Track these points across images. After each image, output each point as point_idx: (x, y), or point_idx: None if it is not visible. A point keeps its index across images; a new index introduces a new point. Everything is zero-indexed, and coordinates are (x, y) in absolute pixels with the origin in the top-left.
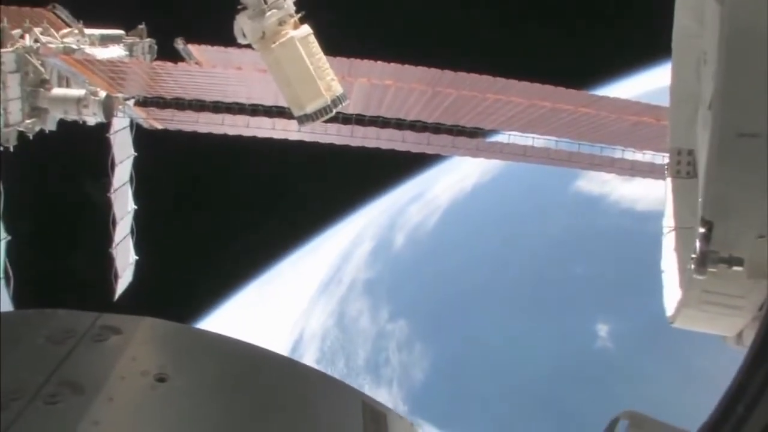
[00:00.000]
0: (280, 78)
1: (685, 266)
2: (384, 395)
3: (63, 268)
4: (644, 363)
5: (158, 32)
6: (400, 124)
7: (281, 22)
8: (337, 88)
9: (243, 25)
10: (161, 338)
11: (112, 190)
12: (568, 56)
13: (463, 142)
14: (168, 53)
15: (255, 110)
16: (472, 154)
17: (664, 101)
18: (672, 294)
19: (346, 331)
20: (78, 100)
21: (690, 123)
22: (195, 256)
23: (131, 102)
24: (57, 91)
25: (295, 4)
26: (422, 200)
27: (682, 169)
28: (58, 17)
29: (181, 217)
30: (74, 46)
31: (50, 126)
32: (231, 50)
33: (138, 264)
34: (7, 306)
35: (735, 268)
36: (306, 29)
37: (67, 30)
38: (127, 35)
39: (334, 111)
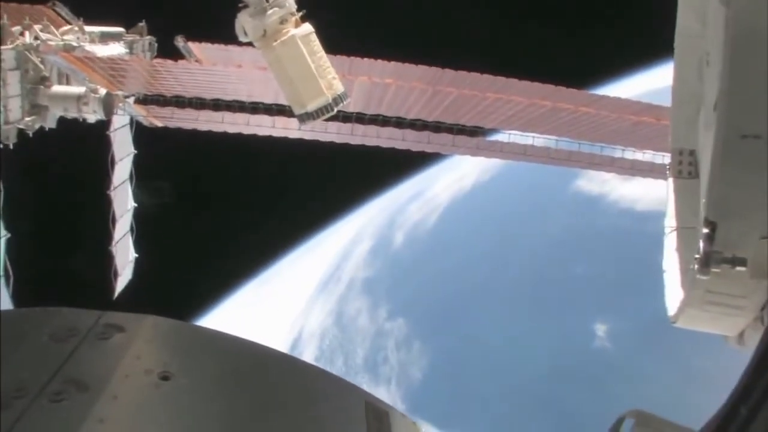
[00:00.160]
0: (281, 76)
1: (687, 266)
2: (382, 394)
3: (62, 265)
4: (643, 362)
5: (158, 30)
6: (400, 123)
7: (283, 21)
8: (338, 87)
9: (244, 23)
10: (165, 336)
11: (111, 188)
12: (569, 56)
13: (463, 140)
14: (168, 51)
15: (255, 108)
16: (472, 152)
17: (664, 101)
18: (674, 294)
19: (344, 330)
20: (78, 98)
21: (692, 123)
22: (194, 254)
23: (131, 99)
24: (57, 88)
25: (297, 2)
26: (422, 199)
27: (684, 169)
28: (59, 14)
29: (180, 215)
30: (74, 44)
31: (50, 123)
32: (231, 48)
33: (137, 262)
34: (6, 303)
35: (738, 268)
36: (307, 27)
37: (67, 27)
38: (127, 33)
39: (335, 109)
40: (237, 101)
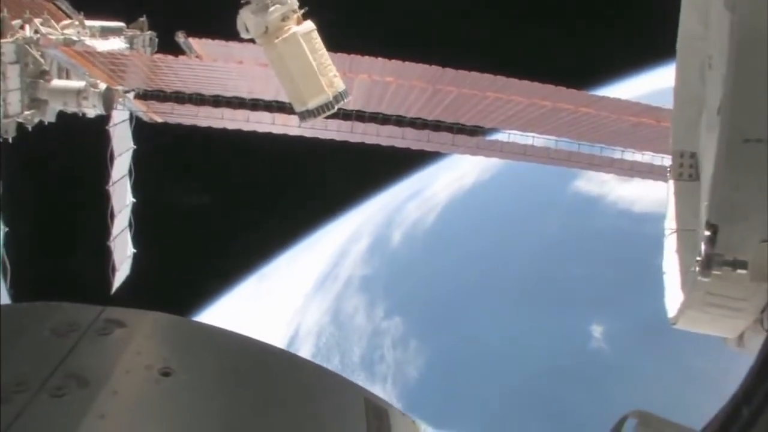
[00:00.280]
0: (282, 73)
1: (687, 268)
2: (378, 392)
3: (60, 260)
4: (640, 363)
5: (159, 25)
6: (400, 121)
7: (284, 18)
8: (339, 85)
9: (246, 19)
10: (166, 332)
11: (110, 183)
12: (569, 56)
13: (462, 140)
14: (169, 46)
15: (255, 105)
16: (472, 152)
17: (665, 102)
18: (674, 295)
19: (341, 328)
20: (78, 92)
21: (693, 125)
22: (192, 251)
23: (131, 95)
24: (57, 82)
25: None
26: (421, 197)
27: (685, 171)
28: (59, 8)
29: (178, 211)
30: (74, 38)
31: (49, 118)
32: (232, 44)
33: (136, 257)
34: (4, 298)
35: (739, 271)
36: (309, 25)
37: (67, 21)
38: (127, 27)
39: (336, 107)
40: (237, 98)
